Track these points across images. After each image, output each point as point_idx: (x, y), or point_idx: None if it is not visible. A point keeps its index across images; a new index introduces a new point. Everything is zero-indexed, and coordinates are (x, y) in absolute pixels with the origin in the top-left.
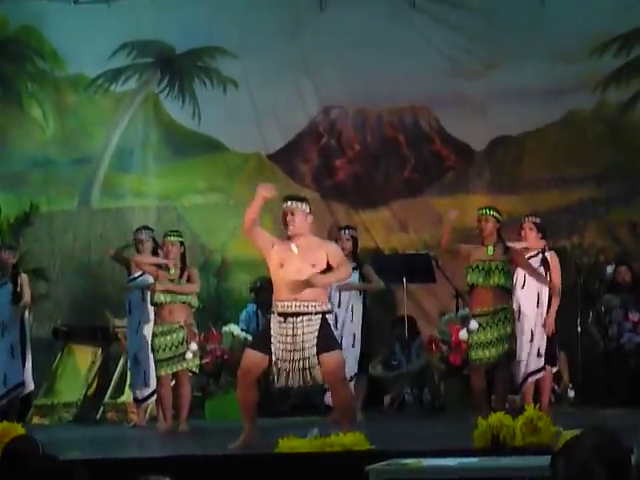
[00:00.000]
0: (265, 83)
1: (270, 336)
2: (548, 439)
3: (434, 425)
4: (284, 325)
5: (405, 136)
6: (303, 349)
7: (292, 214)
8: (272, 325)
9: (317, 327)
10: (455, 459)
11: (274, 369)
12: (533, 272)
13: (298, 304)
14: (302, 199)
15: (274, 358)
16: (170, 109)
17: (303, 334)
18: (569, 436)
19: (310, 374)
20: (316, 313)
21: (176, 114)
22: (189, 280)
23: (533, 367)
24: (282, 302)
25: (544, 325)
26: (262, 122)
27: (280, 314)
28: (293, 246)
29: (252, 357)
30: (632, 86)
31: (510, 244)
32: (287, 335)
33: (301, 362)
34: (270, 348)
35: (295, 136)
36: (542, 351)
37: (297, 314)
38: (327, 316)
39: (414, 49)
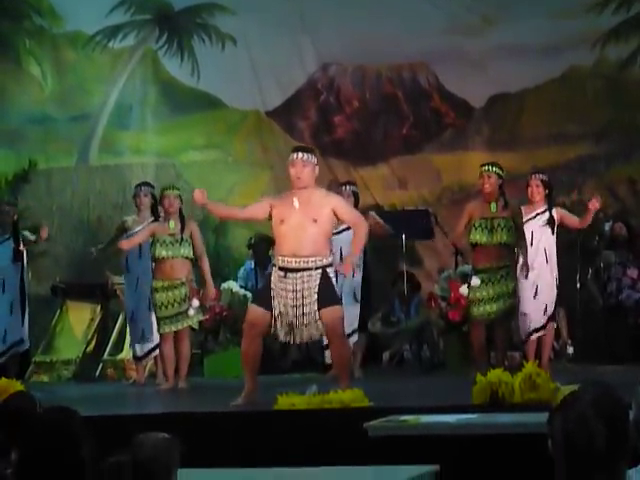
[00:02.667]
0: (264, 40)
1: (271, 291)
2: (547, 395)
3: (433, 382)
4: (284, 280)
5: (404, 93)
6: (304, 305)
7: (302, 166)
8: (273, 279)
9: (317, 282)
10: (454, 415)
11: (277, 324)
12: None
13: (298, 260)
14: (311, 150)
15: (275, 313)
16: (169, 66)
17: (303, 289)
18: (567, 392)
19: (311, 329)
20: (316, 268)
21: (175, 71)
22: (192, 237)
23: (538, 324)
24: (283, 257)
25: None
26: (261, 79)
27: (281, 269)
28: (295, 200)
29: (255, 312)
30: (631, 42)
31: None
32: (288, 291)
33: (302, 318)
34: (271, 304)
35: (294, 93)
36: (549, 309)
37: (297, 270)
38: (328, 270)
39: (413, 5)
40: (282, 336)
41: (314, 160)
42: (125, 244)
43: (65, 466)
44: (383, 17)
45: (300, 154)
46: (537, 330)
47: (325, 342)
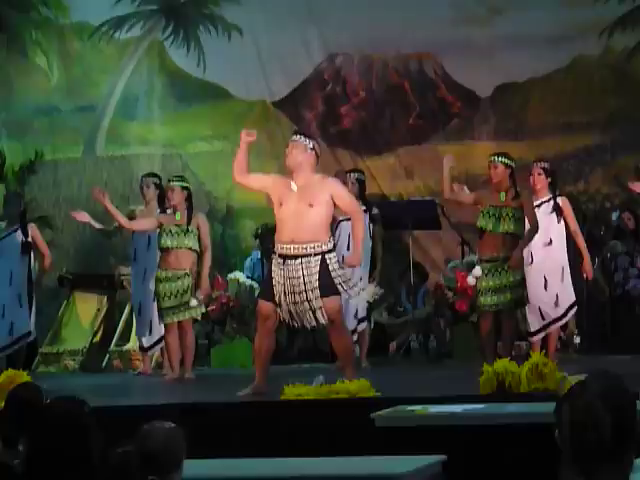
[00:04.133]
0: (270, 30)
1: (272, 280)
2: (553, 385)
3: (440, 372)
4: (282, 267)
5: (410, 83)
6: (306, 291)
7: (293, 148)
8: (273, 267)
9: (317, 269)
10: (460, 406)
11: (280, 311)
12: (533, 219)
13: (296, 246)
14: (308, 135)
15: (277, 300)
16: (175, 57)
17: (303, 276)
18: (574, 381)
19: (313, 316)
20: (315, 254)
21: (181, 62)
22: (199, 230)
23: (552, 316)
24: (282, 244)
25: (582, 270)
26: (267, 69)
27: (280, 256)
28: (292, 184)
29: (263, 307)
30: (638, 32)
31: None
32: (287, 277)
33: (304, 304)
34: (274, 294)
35: (300, 83)
36: (560, 301)
37: (296, 256)
38: (327, 256)
39: None
40: (287, 322)
41: (307, 143)
42: (135, 225)
43: (74, 456)
44: (389, 7)
45: (294, 136)
46: (552, 323)
47: None
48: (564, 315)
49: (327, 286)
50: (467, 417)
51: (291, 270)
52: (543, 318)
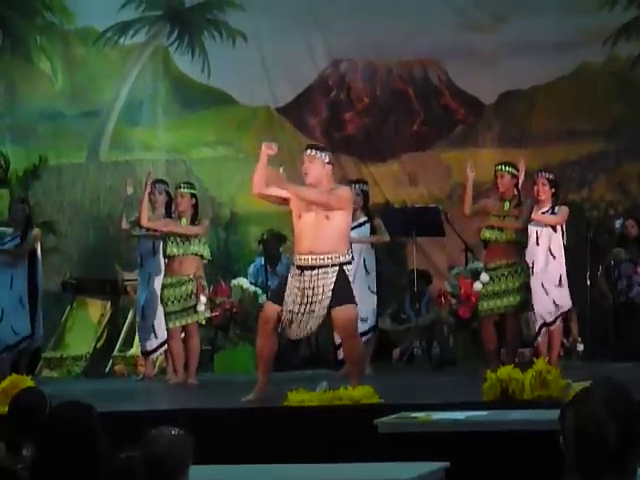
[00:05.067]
0: (274, 36)
1: (285, 287)
2: (557, 392)
3: (443, 379)
4: (299, 278)
5: (414, 89)
6: (315, 302)
7: (310, 162)
8: (290, 277)
9: (333, 280)
10: (464, 412)
11: (284, 320)
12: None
13: (314, 257)
14: (322, 148)
15: (284, 309)
16: (179, 62)
17: (318, 287)
18: (579, 389)
19: (311, 322)
20: (333, 265)
21: (185, 67)
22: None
23: (546, 319)
24: (300, 255)
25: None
26: (271, 75)
27: (298, 267)
28: None
29: (269, 308)
30: None
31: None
32: (303, 288)
33: (309, 314)
34: (283, 299)
35: (304, 89)
36: (557, 306)
37: (314, 267)
38: (345, 267)
39: (424, 2)
40: (289, 333)
41: (323, 157)
42: (146, 223)
43: (81, 461)
44: (394, 14)
45: (308, 150)
46: (545, 325)
47: (338, 341)
48: (557, 319)
49: (343, 295)
50: (470, 424)
51: (307, 281)
52: (537, 320)
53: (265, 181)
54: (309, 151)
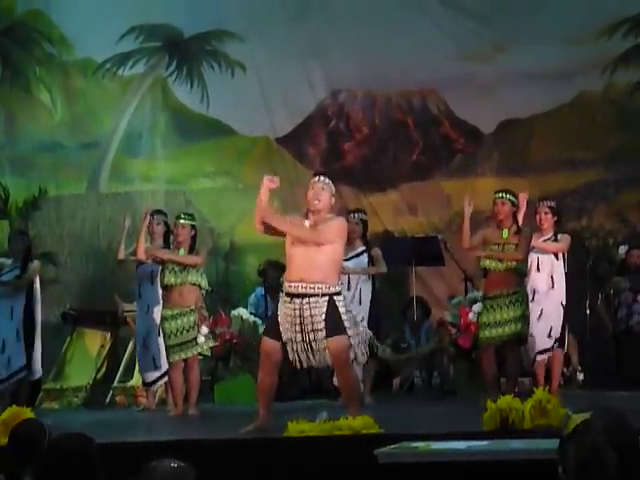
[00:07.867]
0: (273, 66)
1: (278, 317)
2: (557, 422)
3: (443, 408)
4: (289, 305)
5: (414, 119)
6: (313, 331)
7: (322, 189)
8: (279, 305)
9: (324, 310)
10: (464, 442)
11: (288, 350)
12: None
13: (305, 285)
14: (328, 176)
15: (284, 338)
16: (178, 93)
17: (310, 316)
18: (579, 420)
19: (318, 355)
20: (323, 295)
21: (184, 98)
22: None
23: (542, 346)
24: (290, 282)
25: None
26: (270, 106)
27: (287, 294)
28: (307, 223)
29: (267, 344)
30: None
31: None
32: (293, 316)
33: (308, 344)
34: (280, 332)
35: (303, 119)
36: (554, 332)
37: (303, 295)
38: (335, 298)
39: (423, 31)
40: (295, 362)
41: (332, 187)
42: (142, 256)
43: None
44: (393, 43)
45: (321, 177)
46: (542, 352)
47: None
48: (553, 346)
49: (334, 326)
50: (470, 453)
51: (297, 309)
52: (534, 347)
53: (265, 220)
54: (322, 178)
